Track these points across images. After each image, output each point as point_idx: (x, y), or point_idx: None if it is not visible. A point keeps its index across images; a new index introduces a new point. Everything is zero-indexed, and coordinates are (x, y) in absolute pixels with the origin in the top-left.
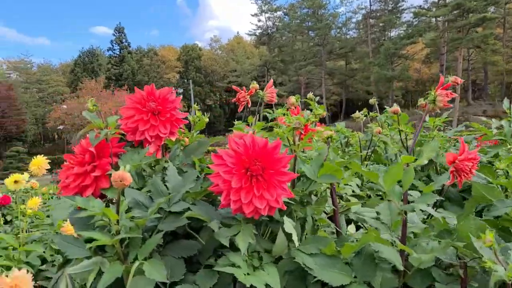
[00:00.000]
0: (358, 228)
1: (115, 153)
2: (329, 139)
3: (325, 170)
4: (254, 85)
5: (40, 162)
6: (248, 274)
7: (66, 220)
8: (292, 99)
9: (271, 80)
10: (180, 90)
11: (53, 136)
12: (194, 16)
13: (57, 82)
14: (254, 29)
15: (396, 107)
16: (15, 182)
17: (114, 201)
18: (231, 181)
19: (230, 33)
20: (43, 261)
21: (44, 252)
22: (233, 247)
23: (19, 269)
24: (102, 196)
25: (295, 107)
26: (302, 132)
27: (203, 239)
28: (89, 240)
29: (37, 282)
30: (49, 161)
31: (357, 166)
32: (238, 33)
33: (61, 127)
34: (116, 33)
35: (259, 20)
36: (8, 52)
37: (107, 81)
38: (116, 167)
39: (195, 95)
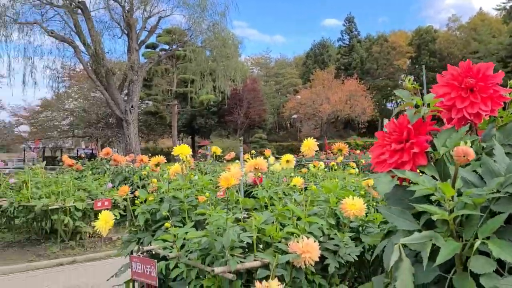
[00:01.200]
0: None
1: (429, 131)
2: None
3: None
4: None
5: (310, 144)
6: None
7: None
8: None
9: None
10: (411, 77)
11: (286, 124)
12: None
13: (291, 75)
14: (504, 2)
15: None
16: (287, 161)
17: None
18: None
19: (470, 10)
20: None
21: (322, 225)
22: None
23: (307, 237)
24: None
25: None
26: None
27: None
28: (416, 215)
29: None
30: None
31: None
32: (481, 9)
33: (295, 116)
34: (346, 23)
35: None
36: (251, 50)
37: (336, 71)
38: (432, 145)
39: (427, 82)
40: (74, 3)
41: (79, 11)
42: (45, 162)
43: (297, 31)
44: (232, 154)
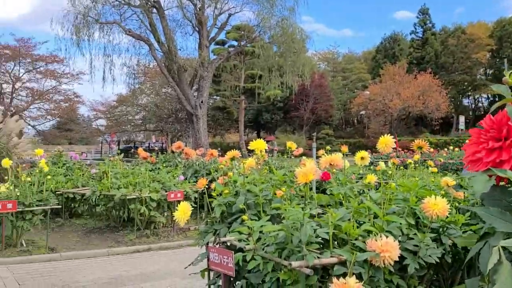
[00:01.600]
0: None
1: None
2: None
3: None
4: None
5: (386, 141)
6: None
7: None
8: None
9: None
10: (490, 71)
11: (353, 121)
12: None
13: (360, 70)
14: None
15: None
16: (362, 158)
17: None
18: None
19: None
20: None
21: (400, 224)
22: None
23: (386, 236)
24: None
25: None
26: None
27: None
28: None
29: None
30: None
31: None
32: None
33: (363, 112)
34: (419, 15)
35: None
36: (319, 45)
37: (408, 66)
38: None
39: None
40: (150, 3)
41: (154, 10)
42: (122, 154)
43: (367, 24)
44: (300, 150)
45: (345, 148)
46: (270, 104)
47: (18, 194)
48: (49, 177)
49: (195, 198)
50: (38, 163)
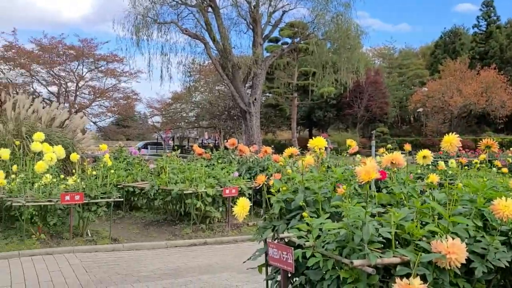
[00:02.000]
0: None
1: None
2: None
3: None
4: None
5: (452, 140)
6: None
7: None
8: None
9: None
10: None
11: (409, 118)
12: None
13: (417, 66)
14: None
15: None
16: (424, 157)
17: None
18: None
19: None
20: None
21: (467, 225)
22: None
23: (452, 238)
24: None
25: None
26: None
27: None
28: None
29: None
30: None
31: None
32: None
33: (420, 109)
34: (483, 7)
35: None
36: (373, 41)
37: (470, 61)
38: None
39: None
40: (206, 2)
41: (210, 9)
42: (179, 150)
43: (425, 18)
44: (355, 148)
45: (408, 146)
46: (323, 101)
47: (84, 186)
48: (112, 171)
49: (249, 194)
50: (101, 158)
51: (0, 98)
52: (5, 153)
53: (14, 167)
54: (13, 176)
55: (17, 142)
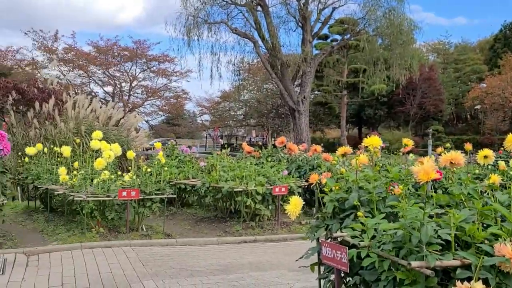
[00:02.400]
0: None
1: None
2: None
3: None
4: None
5: None
6: None
7: None
8: None
9: None
10: None
11: (466, 116)
12: None
13: (474, 61)
14: None
15: None
16: (485, 157)
17: None
18: None
19: None
20: None
21: None
22: None
23: None
24: None
25: None
26: None
27: None
28: None
29: None
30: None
31: None
32: None
33: (478, 106)
34: None
35: None
36: (427, 36)
37: None
38: None
39: None
40: (255, 1)
41: (259, 8)
42: (229, 148)
43: (483, 11)
44: (408, 147)
45: (469, 146)
46: (373, 99)
47: (139, 183)
48: (165, 168)
49: (299, 193)
50: (155, 155)
51: (62, 98)
52: (66, 151)
53: (76, 164)
54: (74, 172)
55: (77, 140)
